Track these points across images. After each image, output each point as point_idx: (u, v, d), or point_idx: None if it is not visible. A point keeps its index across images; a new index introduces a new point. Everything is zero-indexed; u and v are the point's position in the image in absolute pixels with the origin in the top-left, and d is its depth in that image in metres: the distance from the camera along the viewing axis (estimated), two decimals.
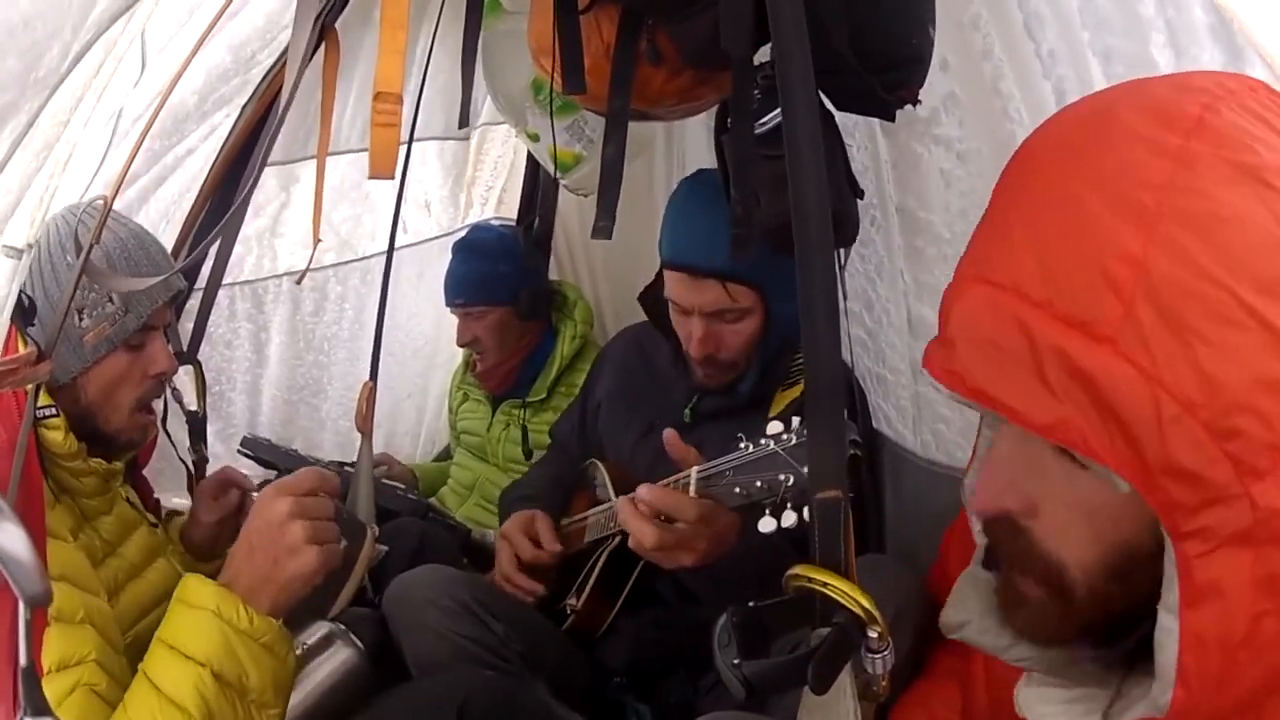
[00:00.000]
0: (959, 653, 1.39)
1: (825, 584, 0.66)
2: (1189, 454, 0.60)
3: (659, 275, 1.93)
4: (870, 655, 0.67)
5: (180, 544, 1.77)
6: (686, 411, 1.90)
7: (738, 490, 1.34)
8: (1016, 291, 0.66)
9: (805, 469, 1.20)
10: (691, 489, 1.43)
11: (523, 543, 1.85)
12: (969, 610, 0.89)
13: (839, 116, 1.48)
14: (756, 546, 1.34)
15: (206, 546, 1.79)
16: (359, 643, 1.48)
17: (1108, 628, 0.75)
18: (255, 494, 1.85)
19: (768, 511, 1.27)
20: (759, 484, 1.31)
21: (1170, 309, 0.60)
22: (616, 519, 1.75)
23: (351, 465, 2.10)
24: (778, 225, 1.29)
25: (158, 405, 1.74)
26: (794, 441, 1.28)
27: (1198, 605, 0.64)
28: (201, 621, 1.19)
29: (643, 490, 1.42)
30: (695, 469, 1.44)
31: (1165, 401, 0.60)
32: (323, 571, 1.26)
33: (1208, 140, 0.63)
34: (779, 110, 1.18)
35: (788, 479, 1.28)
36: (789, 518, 1.25)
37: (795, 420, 1.30)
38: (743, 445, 1.36)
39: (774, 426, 1.32)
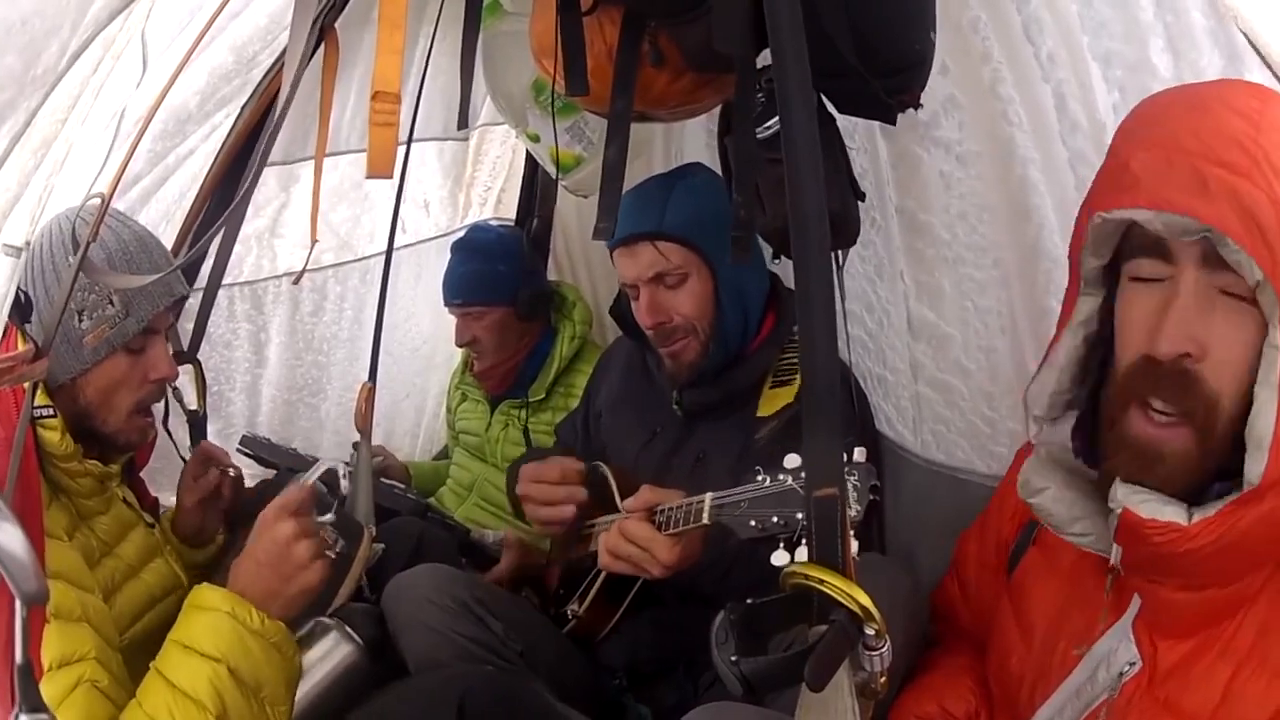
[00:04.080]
0: (964, 651, 1.40)
1: (823, 581, 0.66)
2: None
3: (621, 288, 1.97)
4: (868, 652, 0.67)
5: (172, 535, 1.77)
6: (675, 409, 1.91)
7: (753, 523, 1.35)
8: (1180, 148, 0.94)
9: None
10: (705, 516, 1.44)
11: (543, 467, 1.87)
12: (1049, 478, 1.09)
13: (843, 119, 1.48)
14: (730, 552, 1.36)
15: (195, 532, 1.79)
16: (358, 638, 1.48)
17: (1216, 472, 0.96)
18: (231, 470, 1.86)
19: (781, 545, 1.25)
20: (775, 519, 1.31)
21: (1277, 166, 0.90)
22: None
23: (350, 464, 2.10)
24: (781, 228, 1.29)
25: (158, 405, 1.73)
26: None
27: None
28: (216, 621, 1.26)
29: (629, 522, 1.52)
30: (710, 495, 1.44)
31: None
32: (324, 584, 1.37)
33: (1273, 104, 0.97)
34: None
35: (805, 518, 1.27)
36: (803, 554, 1.24)
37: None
38: (760, 478, 1.36)
39: (792, 460, 1.31)
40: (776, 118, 1.21)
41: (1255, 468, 0.92)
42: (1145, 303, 1.00)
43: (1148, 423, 1.00)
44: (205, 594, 1.31)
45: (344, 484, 1.63)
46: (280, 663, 1.30)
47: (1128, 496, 0.99)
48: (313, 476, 1.60)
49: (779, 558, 1.23)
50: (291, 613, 1.34)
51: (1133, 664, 1.05)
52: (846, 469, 1.21)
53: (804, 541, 1.23)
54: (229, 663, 1.24)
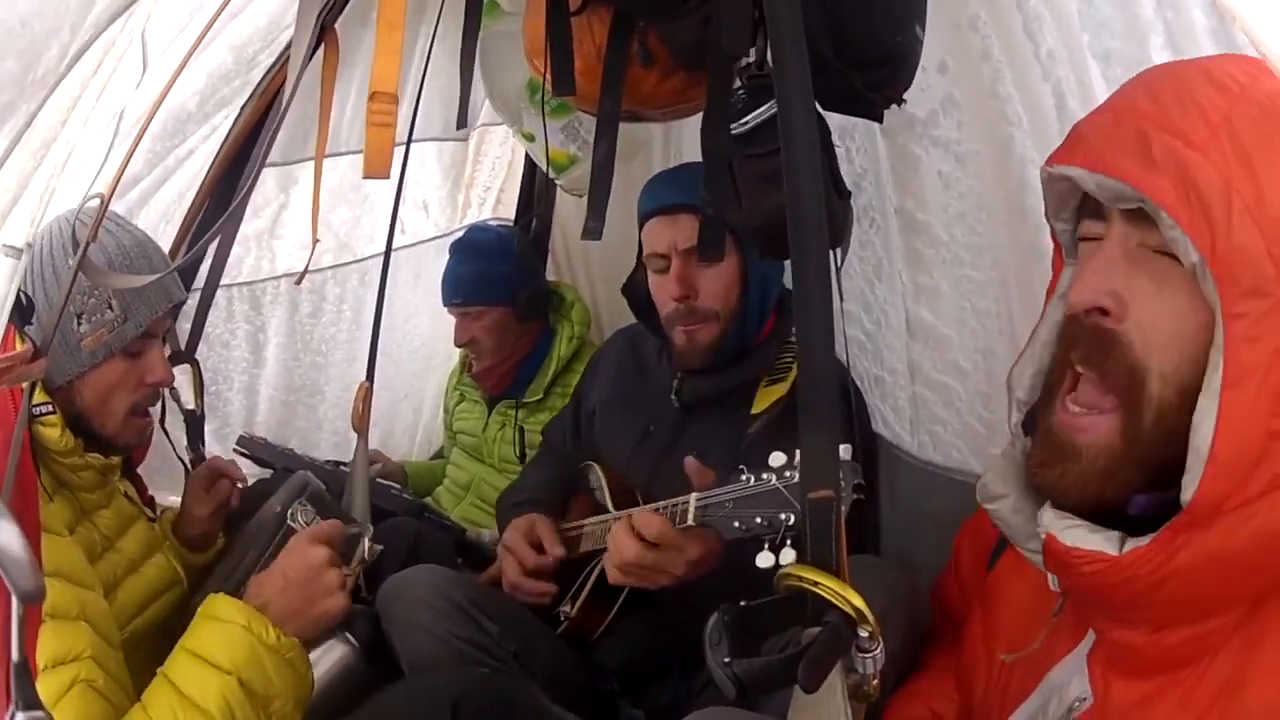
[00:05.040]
0: (952, 649, 1.40)
1: (816, 583, 0.67)
2: (1247, 239, 0.77)
3: (638, 264, 1.96)
4: (861, 654, 0.67)
5: (172, 536, 1.78)
6: (673, 398, 1.90)
7: (736, 524, 1.34)
8: (1134, 110, 0.86)
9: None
10: (690, 517, 1.43)
11: (525, 551, 1.85)
12: (1009, 485, 0.98)
13: (841, 118, 1.48)
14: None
15: (199, 539, 1.80)
16: (353, 640, 1.48)
17: (1144, 482, 0.84)
18: (242, 484, 1.86)
19: (766, 546, 1.25)
20: (758, 519, 1.31)
21: (1242, 144, 0.80)
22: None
23: (347, 465, 2.10)
24: (759, 225, 1.29)
25: (155, 405, 1.74)
26: (797, 479, 1.26)
27: (1236, 387, 0.76)
28: (230, 634, 1.27)
29: (637, 516, 1.45)
30: (694, 495, 1.44)
31: (1234, 196, 0.78)
32: (344, 616, 1.41)
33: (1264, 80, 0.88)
34: (762, 109, 1.18)
35: (788, 517, 1.27)
36: (787, 555, 1.22)
37: (799, 455, 1.29)
38: (744, 478, 1.35)
39: (777, 459, 1.31)
40: (754, 112, 1.21)
41: (1189, 484, 0.79)
42: (1089, 254, 0.92)
43: (1065, 411, 0.91)
44: (220, 605, 1.32)
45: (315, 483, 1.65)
46: (293, 679, 1.31)
47: (1053, 522, 0.89)
48: (289, 497, 1.61)
49: (764, 559, 1.23)
50: (308, 635, 1.36)
51: (1083, 699, 0.94)
52: None
53: (789, 542, 1.23)
54: (241, 675, 1.24)
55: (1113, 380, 0.85)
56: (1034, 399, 1.03)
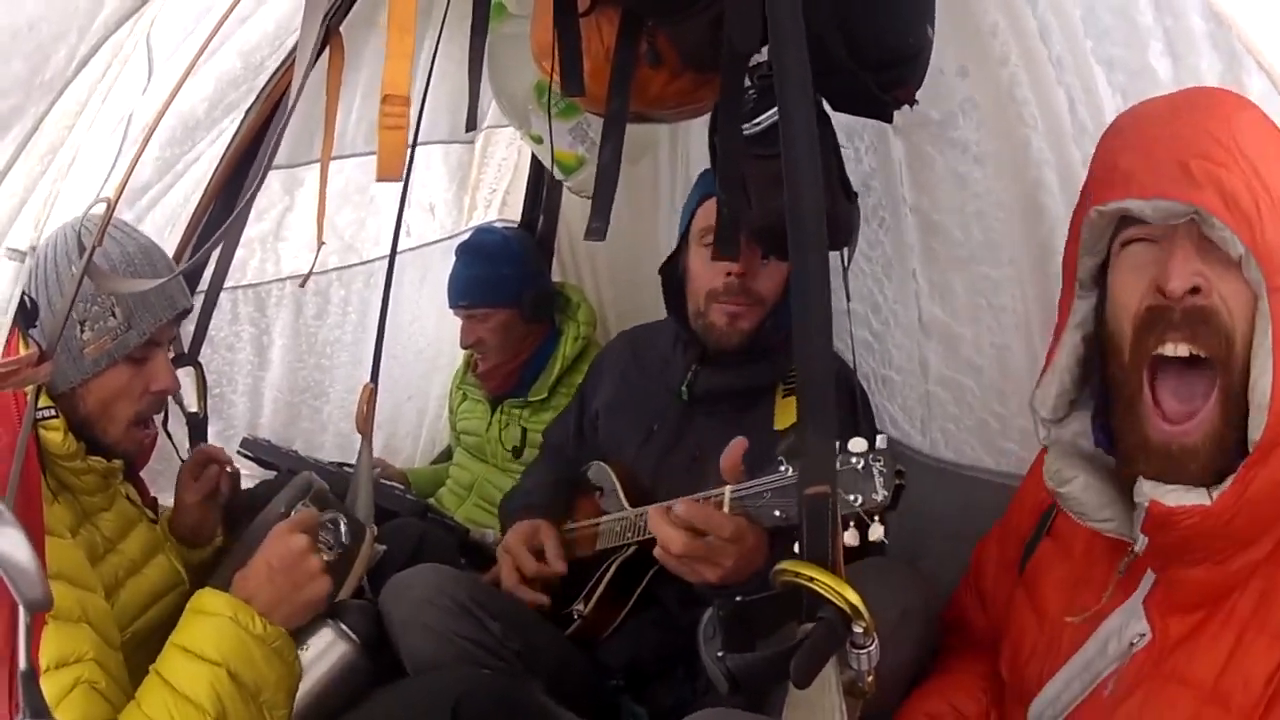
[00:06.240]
0: (973, 655, 1.40)
1: (812, 579, 0.67)
2: (1274, 233, 0.98)
3: (679, 247, 1.92)
4: (856, 651, 0.67)
5: (170, 535, 1.78)
6: (683, 389, 1.88)
7: (777, 513, 1.34)
8: (1164, 145, 1.04)
9: (850, 496, 1.20)
10: (725, 507, 1.42)
11: (525, 557, 1.84)
12: (1076, 468, 1.14)
13: (848, 118, 1.49)
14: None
15: (194, 531, 1.80)
16: (354, 636, 1.49)
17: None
18: (230, 467, 1.86)
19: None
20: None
21: (1249, 156, 1.00)
22: (632, 529, 1.75)
23: (351, 466, 2.11)
24: (766, 225, 1.30)
25: (158, 414, 1.75)
26: (839, 467, 1.25)
27: None
28: (218, 626, 1.28)
29: (679, 506, 1.41)
30: (729, 488, 1.42)
31: (1260, 198, 0.98)
32: (329, 600, 1.43)
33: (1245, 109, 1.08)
34: (773, 110, 1.19)
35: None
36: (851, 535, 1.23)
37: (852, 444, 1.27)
38: (783, 468, 1.35)
39: (858, 444, 1.28)
40: (766, 114, 1.21)
41: (1256, 431, 0.98)
42: (1142, 256, 1.07)
43: (1163, 423, 1.05)
44: (208, 599, 1.33)
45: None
46: (281, 668, 1.32)
47: (1154, 490, 1.04)
48: (293, 498, 1.61)
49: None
50: (295, 622, 1.37)
51: (1143, 635, 1.10)
52: (871, 456, 1.22)
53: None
54: (229, 667, 1.26)
55: (1213, 346, 1.01)
56: (1059, 417, 1.19)
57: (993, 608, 1.45)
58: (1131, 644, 1.10)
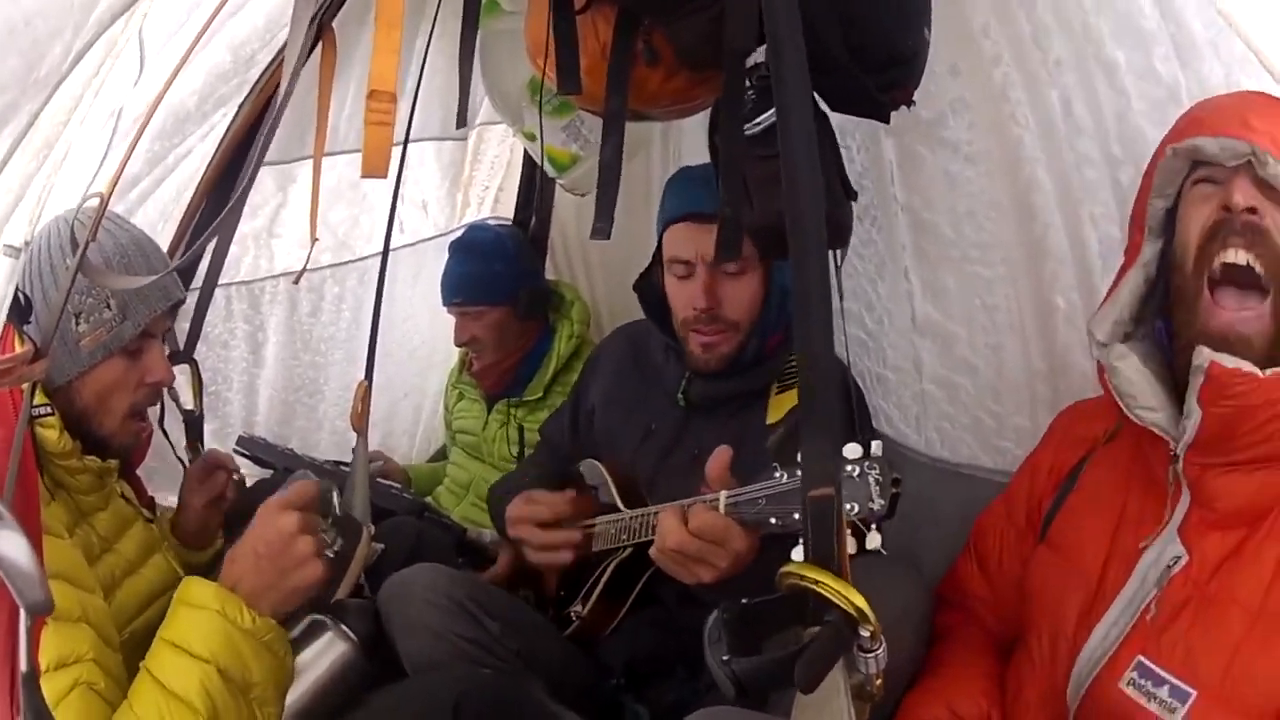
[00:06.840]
0: (973, 650, 1.41)
1: (817, 582, 0.66)
2: None
3: (653, 262, 1.93)
4: (863, 654, 0.67)
5: (171, 536, 1.77)
6: (679, 396, 1.88)
7: (773, 520, 1.32)
8: (1228, 106, 1.24)
9: (846, 505, 1.15)
10: (720, 511, 1.40)
11: (534, 508, 1.83)
12: (1127, 357, 1.26)
13: (840, 118, 1.49)
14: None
15: (196, 534, 1.79)
16: (353, 635, 1.48)
17: None
18: (237, 475, 1.86)
19: (800, 542, 1.23)
20: (796, 515, 1.27)
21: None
22: (629, 531, 1.74)
23: (347, 464, 2.10)
24: (765, 225, 1.29)
25: (153, 406, 1.73)
26: (846, 473, 1.23)
27: None
28: (206, 621, 1.24)
29: (694, 518, 1.39)
30: (724, 493, 1.41)
31: None
32: (323, 583, 1.34)
33: None
34: (773, 110, 1.18)
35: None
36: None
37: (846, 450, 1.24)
38: (778, 474, 1.33)
39: (853, 450, 1.25)
40: (766, 113, 1.21)
41: None
42: (1208, 191, 1.22)
43: (1223, 310, 1.18)
44: (195, 589, 1.28)
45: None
46: (271, 662, 1.27)
47: (1212, 355, 1.15)
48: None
49: (799, 553, 1.22)
50: (285, 609, 1.31)
51: (1179, 558, 1.18)
52: (866, 464, 1.19)
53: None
54: (219, 663, 1.22)
55: (1266, 261, 1.16)
56: (1113, 341, 1.30)
57: (997, 577, 1.49)
58: (1168, 566, 1.18)
